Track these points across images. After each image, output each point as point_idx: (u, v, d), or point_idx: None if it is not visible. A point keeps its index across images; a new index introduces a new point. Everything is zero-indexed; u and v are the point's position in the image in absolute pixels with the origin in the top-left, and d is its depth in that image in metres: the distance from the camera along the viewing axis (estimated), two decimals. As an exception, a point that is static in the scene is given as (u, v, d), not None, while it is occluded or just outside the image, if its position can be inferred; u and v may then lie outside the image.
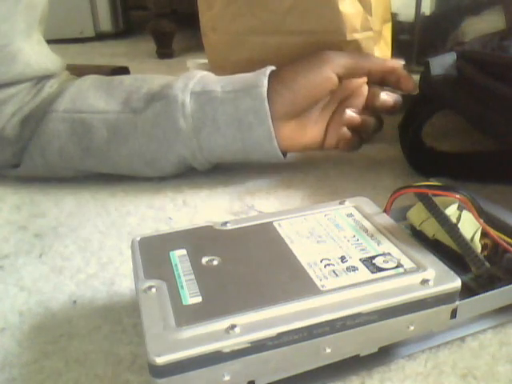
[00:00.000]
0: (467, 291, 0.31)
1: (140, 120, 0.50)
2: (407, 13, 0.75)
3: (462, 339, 0.31)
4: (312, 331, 0.25)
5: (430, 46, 0.76)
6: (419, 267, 0.28)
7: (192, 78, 0.51)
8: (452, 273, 0.28)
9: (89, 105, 0.51)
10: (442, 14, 0.78)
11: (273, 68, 0.51)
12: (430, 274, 0.28)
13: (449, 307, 0.28)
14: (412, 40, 0.76)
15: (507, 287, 0.31)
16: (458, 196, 0.32)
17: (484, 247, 0.32)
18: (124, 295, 0.37)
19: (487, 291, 0.30)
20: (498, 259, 0.33)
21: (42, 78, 0.54)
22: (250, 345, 0.24)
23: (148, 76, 0.54)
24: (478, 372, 0.29)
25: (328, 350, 0.26)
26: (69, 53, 1.38)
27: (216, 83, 0.51)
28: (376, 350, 0.28)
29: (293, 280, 0.28)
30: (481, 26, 0.73)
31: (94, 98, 0.52)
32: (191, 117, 0.48)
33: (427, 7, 0.76)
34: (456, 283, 0.27)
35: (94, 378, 0.30)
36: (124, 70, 0.99)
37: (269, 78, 0.49)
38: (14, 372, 0.30)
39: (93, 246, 0.43)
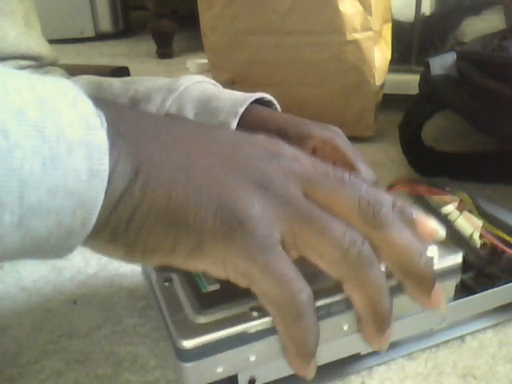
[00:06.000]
0: (467, 290, 0.31)
1: None
2: (407, 13, 0.75)
3: (462, 339, 0.31)
4: (330, 309, 0.25)
5: (430, 45, 0.76)
6: None
7: (174, 91, 0.45)
8: (454, 247, 0.28)
9: None
10: (441, 13, 0.78)
11: (245, 106, 0.40)
12: (432, 250, 0.28)
13: (453, 282, 0.28)
14: (412, 40, 0.76)
15: (506, 286, 0.31)
16: (449, 197, 0.32)
17: (483, 246, 0.32)
18: (124, 295, 0.37)
19: (486, 290, 0.30)
20: (497, 258, 0.33)
21: (28, 65, 0.53)
22: (273, 325, 0.24)
23: (138, 78, 0.52)
24: (478, 372, 0.29)
25: (345, 328, 0.26)
26: (69, 53, 1.38)
27: (192, 105, 0.43)
28: None
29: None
30: (481, 25, 0.73)
31: None
32: None
33: (427, 7, 0.76)
34: (458, 257, 0.28)
35: (94, 377, 0.30)
36: (124, 70, 0.99)
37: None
38: (14, 372, 0.30)
39: (93, 246, 0.43)
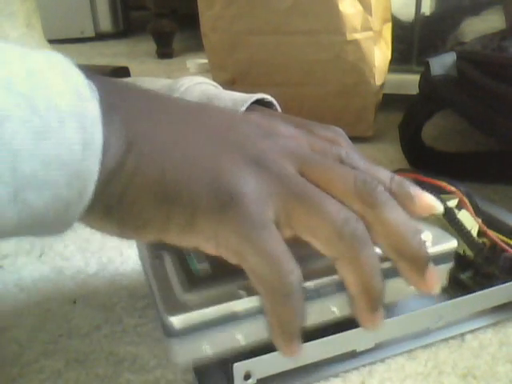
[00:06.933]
0: (465, 289, 0.31)
1: None
2: (407, 13, 0.75)
3: (463, 339, 0.31)
4: (319, 290, 0.25)
5: (430, 45, 0.76)
6: None
7: (175, 92, 0.44)
8: (447, 234, 0.28)
9: None
10: (441, 13, 0.78)
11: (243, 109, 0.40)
12: (426, 235, 0.28)
13: (446, 267, 0.28)
14: (412, 40, 0.76)
15: (504, 285, 0.31)
16: (453, 189, 0.32)
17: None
18: (124, 295, 0.37)
19: (484, 289, 0.30)
20: (496, 258, 0.33)
21: None
22: (261, 304, 0.24)
23: (138, 79, 0.52)
24: (478, 372, 0.29)
25: (334, 309, 0.26)
26: (69, 53, 1.38)
27: None
28: (372, 345, 0.29)
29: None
30: (481, 26, 0.73)
31: None
32: None
33: (427, 7, 0.76)
34: (452, 243, 0.28)
35: (94, 377, 0.30)
36: (124, 70, 0.99)
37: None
38: (14, 372, 0.30)
39: (93, 246, 0.43)
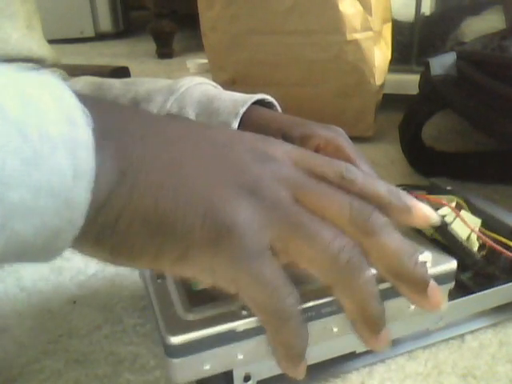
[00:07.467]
0: (465, 289, 0.31)
1: None
2: (407, 13, 0.75)
3: (462, 339, 0.31)
4: (320, 310, 0.26)
5: (429, 45, 0.76)
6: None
7: (175, 92, 0.44)
8: (447, 255, 0.28)
9: None
10: (441, 13, 0.78)
11: (244, 109, 0.40)
12: (426, 256, 0.28)
13: (446, 287, 0.28)
14: (412, 40, 0.76)
15: (504, 286, 0.31)
16: (444, 202, 0.32)
17: (482, 247, 0.32)
18: (124, 295, 0.37)
19: (485, 289, 0.30)
20: (496, 258, 0.33)
21: (30, 67, 0.53)
22: (261, 325, 0.24)
23: (138, 79, 0.51)
24: (478, 372, 0.29)
25: (335, 329, 0.26)
26: (69, 53, 1.38)
27: (193, 106, 0.43)
28: None
29: None
30: (481, 25, 0.73)
31: None
32: None
33: (427, 7, 0.76)
34: (452, 264, 0.28)
35: (94, 378, 0.30)
36: (124, 70, 0.99)
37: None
38: (14, 372, 0.30)
39: (93, 246, 0.43)
